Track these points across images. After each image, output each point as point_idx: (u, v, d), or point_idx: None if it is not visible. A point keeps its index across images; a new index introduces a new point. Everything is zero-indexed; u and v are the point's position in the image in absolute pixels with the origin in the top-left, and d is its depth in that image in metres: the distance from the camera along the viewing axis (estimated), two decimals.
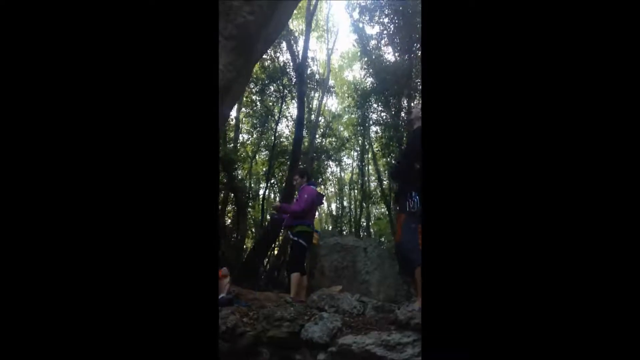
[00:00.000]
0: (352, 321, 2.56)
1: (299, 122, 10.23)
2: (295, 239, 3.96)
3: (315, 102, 15.18)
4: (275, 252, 11.78)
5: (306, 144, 13.14)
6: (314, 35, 14.99)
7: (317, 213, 4.60)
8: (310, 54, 12.51)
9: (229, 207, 12.56)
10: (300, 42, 12.33)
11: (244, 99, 13.69)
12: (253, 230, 13.48)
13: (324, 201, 4.38)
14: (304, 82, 10.59)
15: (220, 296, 3.74)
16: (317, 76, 13.86)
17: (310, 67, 12.66)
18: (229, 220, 12.42)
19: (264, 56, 12.58)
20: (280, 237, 10.80)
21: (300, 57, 11.10)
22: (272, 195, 14.48)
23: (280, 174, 13.56)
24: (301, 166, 8.66)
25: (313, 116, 14.58)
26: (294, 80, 11.27)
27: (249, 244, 12.65)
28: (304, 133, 13.35)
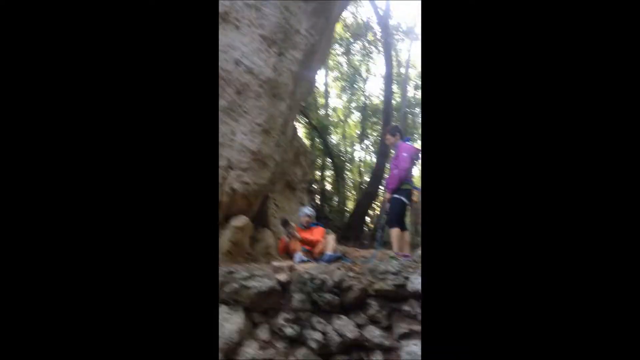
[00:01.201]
0: None
1: (387, 78, 9.87)
2: (395, 195, 3.93)
3: (403, 55, 14.42)
4: (377, 211, 11.88)
5: (398, 99, 12.66)
6: None
7: (415, 169, 4.47)
8: (393, 5, 11.79)
9: (328, 173, 12.92)
10: None
11: (330, 62, 13.63)
12: (353, 192, 13.71)
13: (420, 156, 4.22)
14: (389, 35, 10.09)
15: (326, 254, 3.94)
16: (403, 26, 13.08)
17: (394, 17, 11.97)
18: (330, 186, 12.81)
19: (345, 14, 12.27)
20: (381, 197, 10.82)
21: (383, 9, 10.54)
22: (368, 157, 14.44)
23: (374, 134, 13.39)
24: (393, 124, 8.43)
25: (403, 69, 13.91)
26: (379, 34, 10.80)
27: (350, 205, 12.94)
28: (395, 88, 12.87)
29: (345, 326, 2.49)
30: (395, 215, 3.94)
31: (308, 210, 4.60)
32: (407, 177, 3.95)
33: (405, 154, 3.95)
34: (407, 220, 4.52)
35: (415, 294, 2.45)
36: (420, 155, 4.12)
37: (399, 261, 2.78)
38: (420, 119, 14.30)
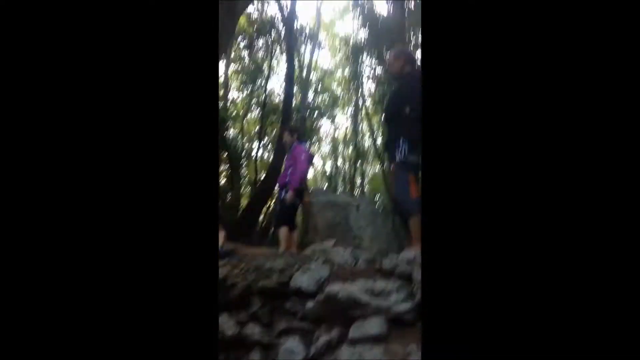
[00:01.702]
0: (340, 270, 2.64)
1: (289, 78, 10.01)
2: (285, 194, 4.00)
3: (306, 58, 14.76)
4: (271, 209, 11.94)
5: (298, 101, 12.91)
6: None
7: (308, 170, 4.62)
8: (299, 6, 12.00)
9: (222, 167, 12.55)
10: None
11: (232, 54, 13.28)
12: (248, 189, 13.55)
13: (314, 160, 4.38)
14: (293, 36, 10.23)
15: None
16: (307, 30, 13.38)
17: (299, 20, 12.18)
18: (223, 180, 12.45)
19: (251, 9, 12.08)
20: (274, 195, 10.90)
21: (288, 9, 10.65)
22: (265, 155, 14.43)
23: (273, 132, 13.43)
24: (292, 124, 8.57)
25: (304, 72, 14.23)
26: (283, 34, 10.89)
27: (244, 202, 12.77)
28: (295, 90, 13.09)
29: (226, 323, 2.45)
30: (283, 214, 4.01)
31: None
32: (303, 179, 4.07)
33: (303, 156, 4.05)
34: (299, 219, 4.64)
35: (297, 291, 2.52)
36: (313, 160, 4.27)
37: (284, 258, 2.84)
38: (314, 123, 14.84)
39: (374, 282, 2.31)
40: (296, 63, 13.53)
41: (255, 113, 14.43)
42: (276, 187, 10.74)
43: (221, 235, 4.23)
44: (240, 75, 13.63)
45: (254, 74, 12.82)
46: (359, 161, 16.05)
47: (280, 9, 10.70)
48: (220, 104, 12.59)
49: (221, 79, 13.35)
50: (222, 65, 13.28)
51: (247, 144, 14.60)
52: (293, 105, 11.31)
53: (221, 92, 13.28)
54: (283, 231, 3.95)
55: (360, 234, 6.30)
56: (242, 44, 13.01)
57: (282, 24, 10.82)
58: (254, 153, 13.48)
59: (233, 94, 14.55)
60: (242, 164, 12.95)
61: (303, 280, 2.50)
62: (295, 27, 10.71)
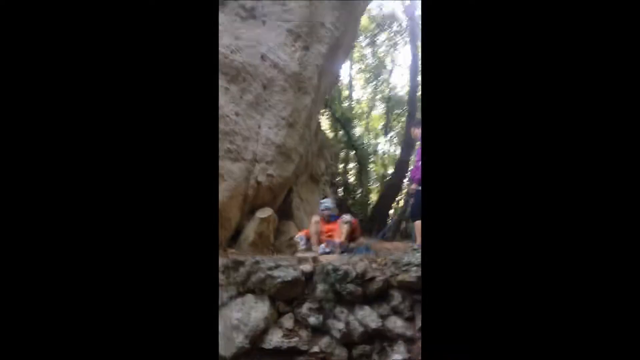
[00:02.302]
0: None
1: (413, 69, 9.74)
2: (420, 187, 3.92)
3: None
4: (401, 204, 11.82)
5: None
6: None
7: None
8: None
9: (351, 165, 12.92)
10: None
11: (355, 54, 13.54)
12: (377, 184, 13.66)
13: None
14: (415, 25, 9.93)
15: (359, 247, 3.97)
16: None
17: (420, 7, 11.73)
18: (352, 178, 12.81)
19: (371, 5, 12.13)
20: (404, 190, 10.76)
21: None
22: (392, 149, 14.33)
23: (398, 126, 13.27)
24: (419, 116, 8.32)
25: None
26: (405, 24, 10.64)
27: (373, 198, 12.92)
28: (419, 79, 12.66)
29: (368, 316, 2.55)
30: (419, 208, 3.94)
31: (328, 202, 4.55)
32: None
33: None
34: None
35: None
36: None
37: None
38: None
39: None
40: (419, 52, 13.11)
41: (380, 109, 14.45)
42: (406, 181, 10.63)
43: (355, 231, 4.37)
44: (364, 74, 13.79)
45: (377, 70, 12.84)
46: None
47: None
48: (346, 104, 12.98)
49: (345, 80, 13.75)
50: (346, 66, 13.67)
51: (373, 141, 14.73)
52: (419, 96, 11.00)
53: (346, 93, 13.67)
54: (418, 225, 3.88)
55: None
56: (364, 43, 13.16)
57: (403, 15, 10.60)
58: (380, 148, 13.52)
59: (357, 93, 14.85)
60: (370, 161, 13.11)
61: None
62: (416, 16, 10.38)
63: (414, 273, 2.57)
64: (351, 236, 4.13)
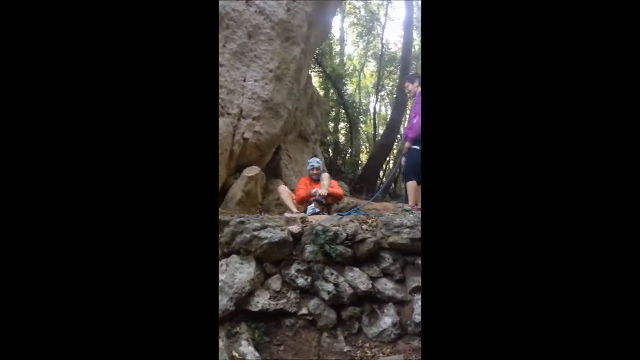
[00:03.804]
0: None
1: (407, 24, 9.30)
2: (414, 147, 3.76)
3: None
4: (390, 164, 11.73)
5: (417, 47, 12.04)
6: None
7: None
8: None
9: (341, 124, 12.66)
10: None
11: (347, 6, 12.90)
12: (367, 144, 13.51)
13: None
14: None
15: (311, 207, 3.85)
16: None
17: None
18: (343, 137, 12.60)
19: None
20: (394, 149, 10.62)
21: None
22: (384, 109, 14.04)
23: (391, 84, 12.91)
24: (413, 72, 8.01)
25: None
26: None
27: (363, 158, 12.81)
28: (415, 35, 12.20)
29: (358, 278, 2.46)
30: (411, 168, 3.79)
31: (315, 161, 4.35)
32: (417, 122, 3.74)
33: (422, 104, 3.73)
34: None
35: None
36: None
37: (414, 214, 2.70)
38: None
39: None
40: (414, 6, 12.52)
41: (372, 66, 14.00)
42: (398, 140, 10.46)
43: (342, 190, 4.22)
44: (356, 28, 13.21)
45: (369, 24, 12.30)
46: None
47: None
48: (337, 60, 12.51)
49: (337, 34, 13.16)
50: (337, 20, 13.06)
51: (364, 99, 14.39)
52: (412, 52, 10.59)
53: (337, 48, 13.14)
54: (411, 185, 3.75)
55: None
56: None
57: None
58: (371, 107, 13.22)
59: (349, 49, 14.30)
60: (360, 120, 12.86)
61: None
62: None
63: (406, 235, 2.46)
64: (333, 194, 4.00)
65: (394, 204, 5.27)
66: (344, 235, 2.51)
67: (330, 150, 10.70)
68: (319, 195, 3.85)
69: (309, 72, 6.67)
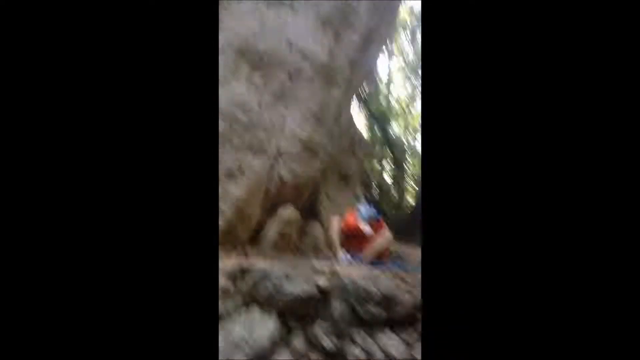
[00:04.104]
0: None
1: None
2: None
3: None
4: None
5: None
6: None
7: None
8: None
9: (388, 166, 12.40)
10: None
11: (395, 49, 13.01)
12: (415, 186, 13.06)
13: None
14: None
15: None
16: None
17: None
18: (389, 178, 12.29)
19: (413, 2, 11.56)
20: None
21: None
22: None
23: None
24: None
25: None
26: None
27: (411, 200, 12.35)
28: None
29: (392, 344, 2.14)
30: None
31: (365, 208, 4.05)
32: None
33: None
34: None
35: None
36: None
37: None
38: None
39: None
40: None
41: (420, 106, 13.80)
42: None
43: (385, 238, 3.91)
44: (404, 71, 13.23)
45: (417, 67, 12.26)
46: None
47: None
48: (384, 101, 12.49)
49: (385, 76, 13.23)
50: (384, 60, 13.18)
51: (412, 140, 14.09)
52: None
53: (384, 89, 13.17)
54: None
55: None
56: (404, 38, 12.61)
57: None
58: (419, 147, 12.88)
59: (397, 90, 14.28)
60: (408, 161, 12.54)
61: None
62: None
63: None
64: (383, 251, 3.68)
65: None
66: (378, 293, 2.22)
67: (374, 191, 10.42)
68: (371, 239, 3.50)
69: (352, 113, 6.61)
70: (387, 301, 2.22)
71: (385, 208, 9.89)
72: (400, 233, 7.62)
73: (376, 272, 2.58)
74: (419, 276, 2.38)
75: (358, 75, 5.26)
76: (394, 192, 11.54)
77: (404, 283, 2.39)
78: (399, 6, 6.64)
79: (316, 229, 4.64)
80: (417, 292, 2.28)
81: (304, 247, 4.46)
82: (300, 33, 4.21)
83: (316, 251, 4.45)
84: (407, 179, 12.01)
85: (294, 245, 4.36)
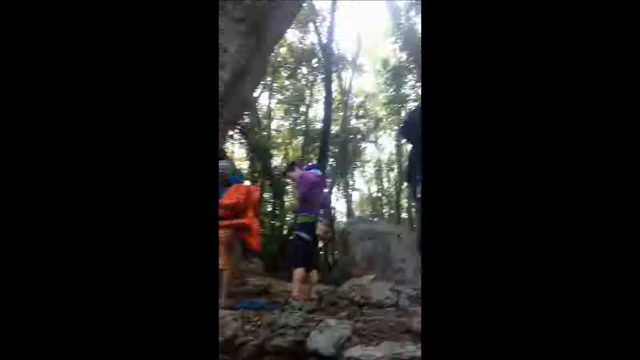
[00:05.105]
0: (363, 328, 2.26)
1: (327, 104, 9.88)
2: (296, 232, 3.63)
3: (347, 83, 14.65)
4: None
5: (339, 126, 12.75)
6: (341, 13, 14.36)
7: (328, 201, 4.06)
8: (339, 32, 12.01)
9: (266, 195, 12.54)
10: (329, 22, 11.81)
11: (275, 85, 13.51)
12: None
13: (327, 185, 3.94)
14: (331, 62, 10.16)
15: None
16: (348, 55, 13.33)
17: (338, 47, 12.13)
18: (270, 208, 12.40)
19: (293, 39, 12.27)
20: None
21: (327, 36, 10.65)
22: None
23: (314, 159, 13.31)
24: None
25: (347, 97, 14.09)
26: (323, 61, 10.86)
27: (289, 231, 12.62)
28: (339, 115, 12.98)
29: None
30: (295, 254, 3.57)
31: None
32: (309, 208, 3.58)
33: (303, 179, 3.62)
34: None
35: (316, 353, 2.16)
36: (322, 182, 3.80)
37: (300, 312, 2.50)
38: (361, 146, 14.55)
39: (402, 347, 1.91)
40: (338, 88, 13.47)
41: (300, 140, 14.45)
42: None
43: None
44: (284, 105, 13.77)
45: (296, 103, 12.91)
46: (404, 184, 15.39)
47: (318, 35, 10.73)
48: (265, 133, 12.75)
49: (265, 109, 13.57)
50: (265, 96, 13.56)
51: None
52: (333, 130, 11.15)
53: (265, 122, 13.48)
54: (297, 274, 3.40)
55: (403, 266, 5.80)
56: (284, 74, 13.21)
57: (321, 51, 10.79)
58: None
59: (277, 124, 14.75)
60: (286, 191, 12.89)
61: (320, 340, 2.14)
62: (334, 54, 10.65)
63: (290, 337, 2.24)
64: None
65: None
66: (221, 339, 2.22)
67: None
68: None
69: (229, 146, 6.58)
70: (230, 345, 2.23)
71: (263, 238, 9.92)
72: (271, 266, 7.71)
73: (223, 314, 2.56)
74: (262, 318, 2.46)
75: (229, 110, 5.33)
76: (273, 222, 11.67)
77: (249, 324, 2.42)
78: (272, 45, 6.97)
79: None
80: (263, 332, 2.33)
81: None
82: None
83: None
84: (285, 210, 12.29)
85: None
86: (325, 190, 3.94)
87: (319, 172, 3.96)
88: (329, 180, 9.76)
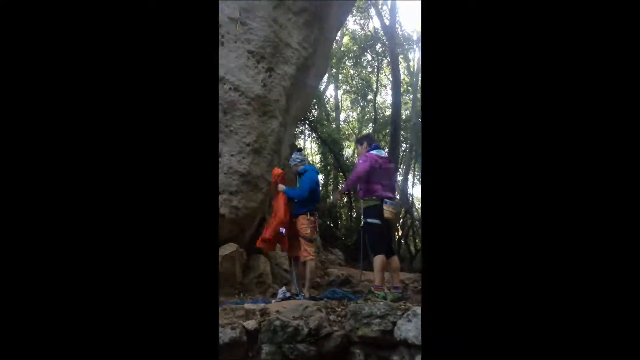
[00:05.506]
0: None
1: (395, 89, 9.52)
2: (364, 219, 3.47)
3: (416, 64, 14.02)
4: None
5: (409, 110, 12.28)
6: None
7: (393, 183, 3.80)
8: (401, 13, 11.52)
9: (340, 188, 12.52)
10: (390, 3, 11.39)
11: (340, 75, 13.41)
12: None
13: (390, 165, 3.71)
14: (396, 45, 9.77)
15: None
16: (414, 35, 12.77)
17: (401, 28, 11.65)
18: (345, 199, 12.38)
19: (355, 26, 12.06)
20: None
21: (389, 18, 10.27)
22: None
23: (386, 146, 12.99)
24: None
25: (415, 79, 13.51)
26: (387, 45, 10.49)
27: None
28: (409, 98, 12.50)
29: None
30: (373, 241, 3.41)
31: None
32: (371, 191, 3.45)
33: (361, 161, 3.49)
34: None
35: (405, 342, 2.05)
36: (386, 164, 3.62)
37: (385, 300, 2.39)
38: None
39: None
40: (405, 71, 12.96)
41: (370, 129, 14.20)
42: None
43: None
44: (350, 94, 13.62)
45: (362, 91, 12.69)
46: None
47: (381, 19, 10.37)
48: (333, 125, 12.73)
49: (332, 101, 13.55)
50: (331, 87, 13.53)
51: None
52: (404, 115, 10.75)
53: (333, 114, 13.45)
54: (378, 261, 3.25)
55: None
56: (349, 63, 13.05)
57: (385, 35, 10.44)
58: None
59: (347, 114, 14.65)
60: None
61: (409, 329, 2.02)
62: (398, 36, 10.23)
63: (376, 327, 2.15)
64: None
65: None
66: (306, 330, 2.20)
67: (324, 218, 10.45)
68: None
69: (300, 140, 6.66)
70: (316, 336, 2.20)
71: (336, 232, 9.94)
72: (349, 256, 7.66)
73: (305, 307, 2.54)
74: (346, 309, 2.39)
75: (297, 104, 5.35)
76: (344, 215, 11.63)
77: (333, 314, 2.38)
78: (334, 35, 6.87)
79: (261, 263, 4.56)
80: (347, 324, 2.28)
81: (248, 283, 4.36)
82: (232, 68, 4.24)
83: (261, 286, 4.36)
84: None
85: (237, 282, 4.25)
86: (391, 172, 3.74)
87: (382, 154, 3.77)
88: (401, 166, 9.44)
